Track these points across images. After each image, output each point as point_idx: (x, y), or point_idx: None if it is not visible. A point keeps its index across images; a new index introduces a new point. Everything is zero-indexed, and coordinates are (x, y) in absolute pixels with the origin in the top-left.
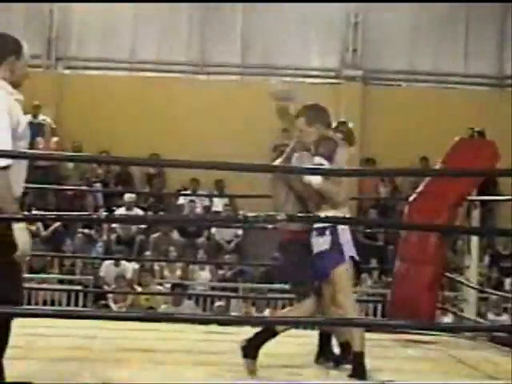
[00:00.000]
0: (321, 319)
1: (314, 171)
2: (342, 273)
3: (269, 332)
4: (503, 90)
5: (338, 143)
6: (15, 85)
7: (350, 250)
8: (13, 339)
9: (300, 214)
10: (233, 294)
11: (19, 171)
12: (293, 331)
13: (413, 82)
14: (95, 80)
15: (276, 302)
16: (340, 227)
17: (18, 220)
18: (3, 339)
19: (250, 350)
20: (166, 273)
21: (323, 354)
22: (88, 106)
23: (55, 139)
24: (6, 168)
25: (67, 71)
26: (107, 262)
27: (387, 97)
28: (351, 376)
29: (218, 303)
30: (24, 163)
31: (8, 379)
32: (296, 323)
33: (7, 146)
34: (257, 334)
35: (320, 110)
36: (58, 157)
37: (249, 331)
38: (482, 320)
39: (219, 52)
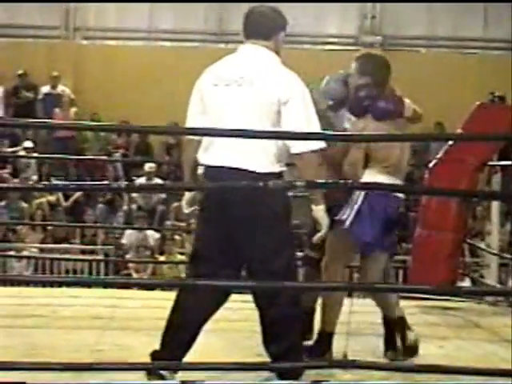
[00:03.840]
0: (339, 284)
1: (313, 136)
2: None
3: None
4: None
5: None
6: None
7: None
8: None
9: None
10: None
11: None
12: None
13: (432, 47)
14: (113, 50)
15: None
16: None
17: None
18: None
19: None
20: (187, 243)
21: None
22: (106, 76)
23: (74, 110)
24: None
25: (85, 42)
26: (129, 232)
27: (406, 63)
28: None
29: None
30: None
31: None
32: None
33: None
34: None
35: (378, 62)
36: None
37: None
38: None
39: (237, 20)
